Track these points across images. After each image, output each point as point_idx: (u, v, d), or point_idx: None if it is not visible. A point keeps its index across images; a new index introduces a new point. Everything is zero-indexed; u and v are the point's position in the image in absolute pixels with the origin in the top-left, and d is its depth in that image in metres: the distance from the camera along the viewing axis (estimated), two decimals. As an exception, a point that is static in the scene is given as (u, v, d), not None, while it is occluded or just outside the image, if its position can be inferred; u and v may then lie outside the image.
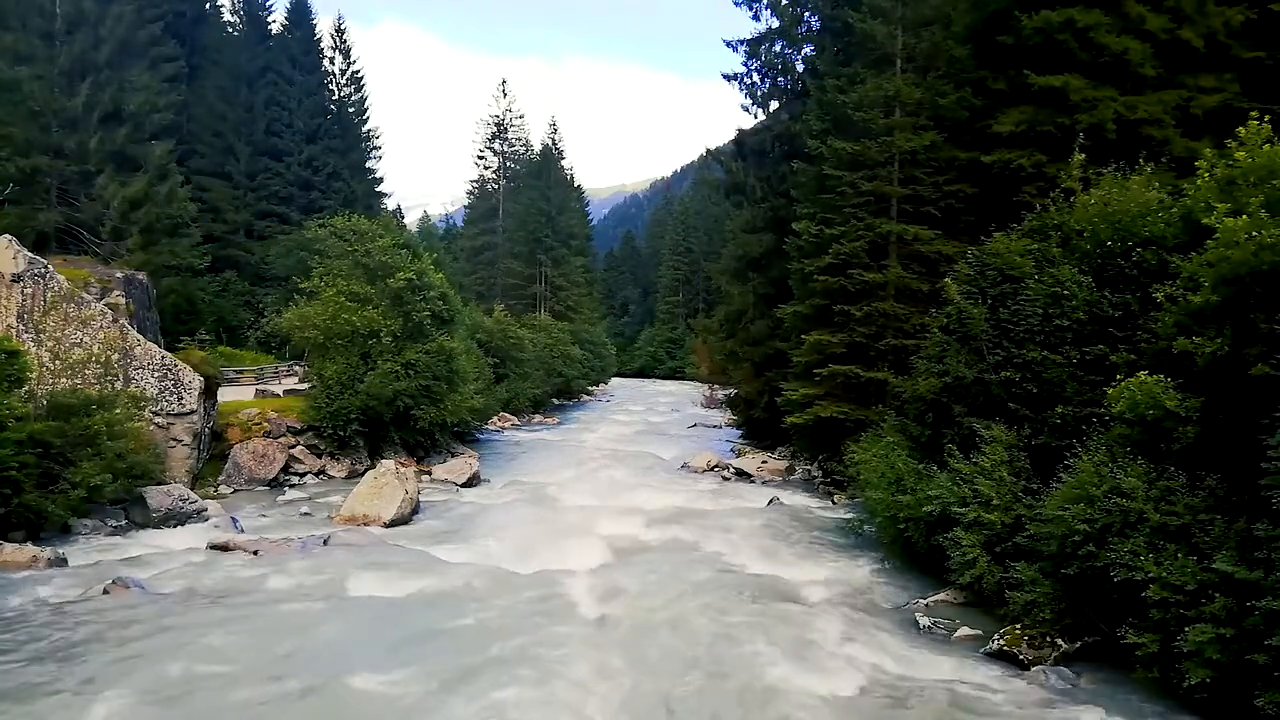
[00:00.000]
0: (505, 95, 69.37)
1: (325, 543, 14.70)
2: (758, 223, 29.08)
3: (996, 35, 17.96)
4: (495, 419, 36.82)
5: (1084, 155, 14.09)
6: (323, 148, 45.66)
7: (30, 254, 17.73)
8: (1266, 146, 9.67)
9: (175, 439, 18.39)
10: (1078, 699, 8.88)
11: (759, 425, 29.80)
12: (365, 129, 50.92)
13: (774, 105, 29.80)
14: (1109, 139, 15.79)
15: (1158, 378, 9.41)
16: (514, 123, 69.61)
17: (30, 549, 12.71)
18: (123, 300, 21.04)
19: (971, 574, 11.23)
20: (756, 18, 28.88)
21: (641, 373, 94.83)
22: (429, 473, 22.63)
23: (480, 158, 69.86)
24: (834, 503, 20.10)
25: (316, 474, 21.76)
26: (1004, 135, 17.34)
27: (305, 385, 25.19)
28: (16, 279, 17.20)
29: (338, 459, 22.52)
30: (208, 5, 47.68)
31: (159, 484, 16.45)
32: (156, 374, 18.42)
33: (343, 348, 23.04)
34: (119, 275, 22.75)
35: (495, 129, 69.06)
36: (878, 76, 21.02)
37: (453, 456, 25.37)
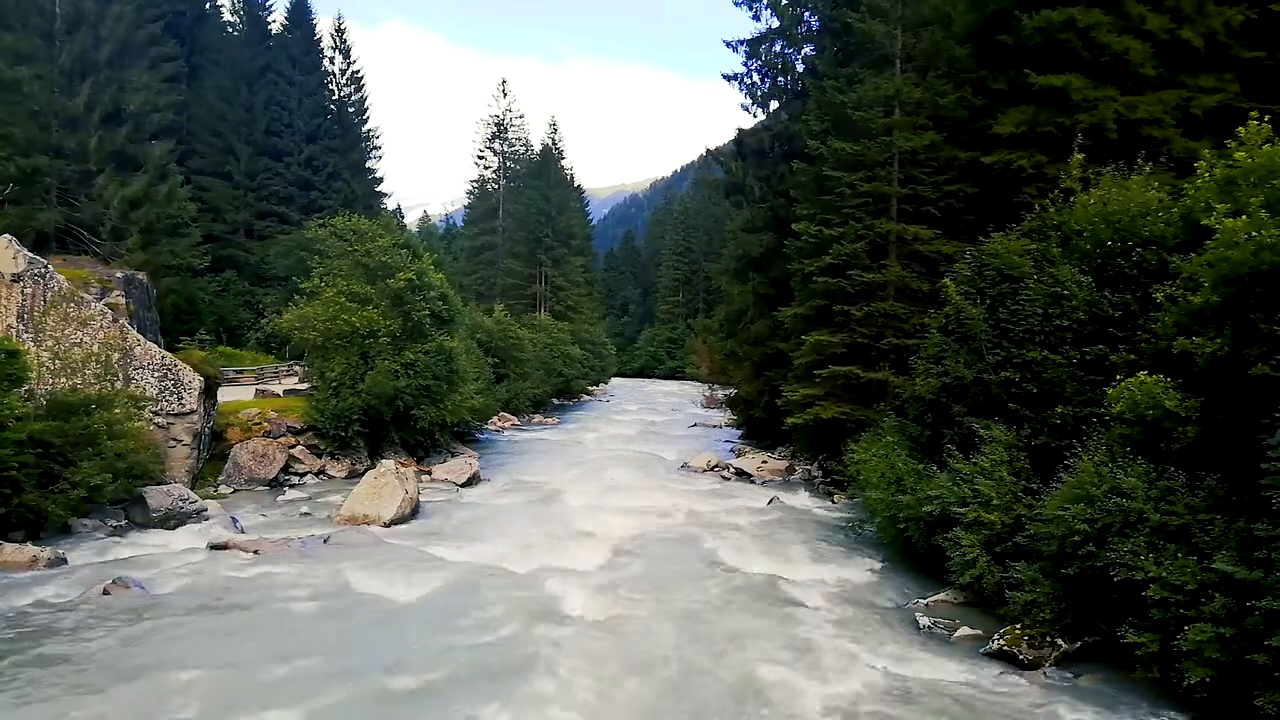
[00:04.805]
0: (505, 95, 69.44)
1: (325, 542, 14.73)
2: (757, 223, 29.08)
3: (996, 35, 17.95)
4: (495, 419, 36.81)
5: (1084, 155, 14.08)
6: (323, 148, 45.67)
7: (30, 254, 17.72)
8: (1266, 146, 9.69)
9: (175, 439, 18.40)
10: (1078, 699, 8.89)
11: (759, 425, 29.79)
12: (365, 129, 50.91)
13: (774, 105, 29.84)
14: (1109, 139, 15.79)
15: (1158, 378, 9.42)
16: (514, 123, 69.67)
17: (30, 549, 12.71)
18: (123, 300, 21.05)
19: (971, 574, 11.24)
20: (756, 18, 28.97)
21: (641, 373, 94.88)
22: (429, 473, 22.62)
23: (480, 158, 69.89)
24: (834, 503, 20.10)
25: (316, 474, 21.75)
26: (1004, 135, 17.32)
27: (305, 385, 25.19)
28: (16, 279, 17.19)
29: (338, 459, 22.52)
30: (208, 5, 47.71)
31: (159, 484, 16.47)
32: (156, 374, 18.42)
33: (342, 348, 23.07)
34: (119, 275, 22.77)
35: (495, 129, 69.05)
36: (877, 76, 21.03)
37: (453, 456, 25.39)
